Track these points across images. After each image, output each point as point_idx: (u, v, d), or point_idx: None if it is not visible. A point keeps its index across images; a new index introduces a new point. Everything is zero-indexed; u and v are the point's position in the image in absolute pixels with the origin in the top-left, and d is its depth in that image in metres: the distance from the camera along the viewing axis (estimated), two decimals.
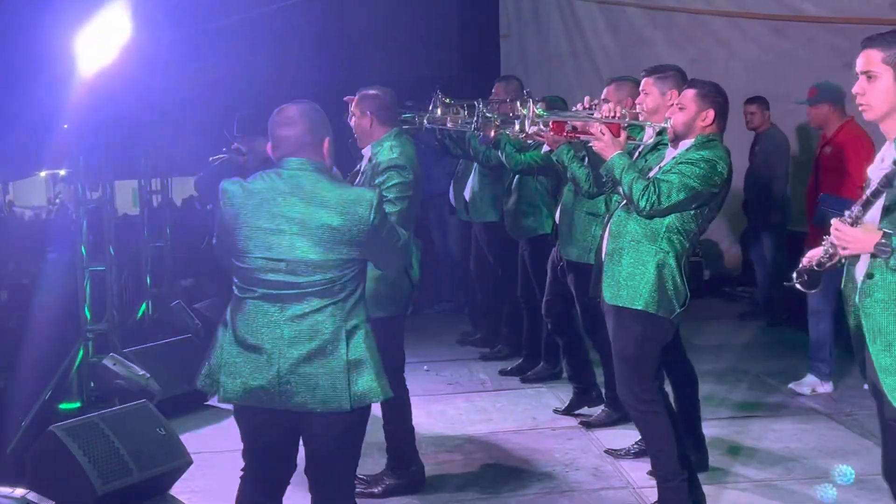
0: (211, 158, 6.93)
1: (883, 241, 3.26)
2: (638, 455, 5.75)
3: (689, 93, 4.73)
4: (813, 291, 3.66)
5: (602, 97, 5.75)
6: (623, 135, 4.73)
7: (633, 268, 4.60)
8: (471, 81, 8.65)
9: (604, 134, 4.64)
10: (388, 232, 3.80)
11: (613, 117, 4.77)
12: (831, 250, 3.45)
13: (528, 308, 7.68)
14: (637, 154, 5.07)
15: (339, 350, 3.64)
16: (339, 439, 3.76)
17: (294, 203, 3.65)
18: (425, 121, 6.10)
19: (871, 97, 3.43)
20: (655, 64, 5.66)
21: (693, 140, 4.68)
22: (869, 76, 3.42)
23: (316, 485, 3.88)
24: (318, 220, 3.62)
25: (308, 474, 3.88)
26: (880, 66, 3.38)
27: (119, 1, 7.06)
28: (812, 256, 3.58)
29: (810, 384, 6.94)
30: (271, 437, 3.83)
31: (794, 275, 3.64)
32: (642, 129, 5.20)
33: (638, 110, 4.98)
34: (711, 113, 4.66)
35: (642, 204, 4.48)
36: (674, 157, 4.67)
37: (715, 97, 4.71)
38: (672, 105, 5.06)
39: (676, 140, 4.74)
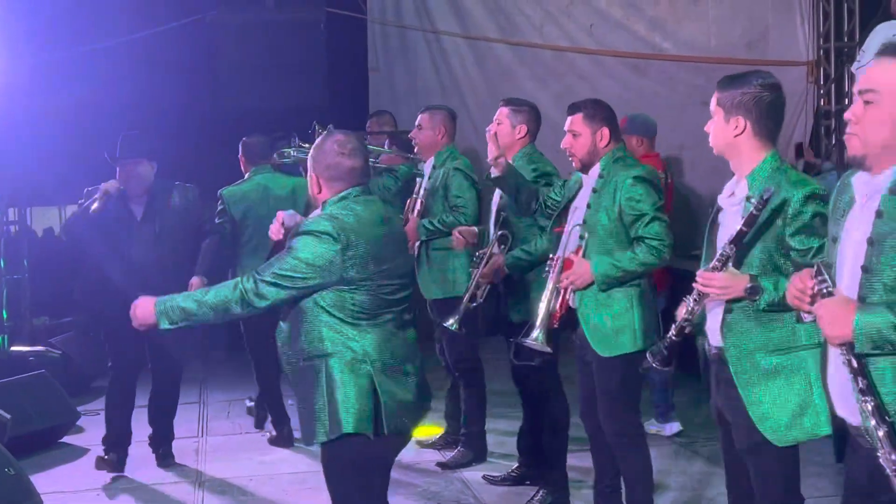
0: (86, 190, 6.50)
1: (751, 284, 3.35)
2: (514, 483, 5.78)
3: (577, 117, 4.68)
4: (667, 369, 3.70)
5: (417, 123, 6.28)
6: None
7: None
8: (339, 113, 8.61)
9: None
10: None
11: None
12: (696, 300, 3.47)
13: None
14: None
15: None
16: None
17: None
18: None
19: (711, 135, 3.60)
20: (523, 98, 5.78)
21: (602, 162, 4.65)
22: (713, 114, 3.59)
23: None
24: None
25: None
26: (715, 106, 3.57)
27: None
28: (674, 330, 3.57)
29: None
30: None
31: (649, 356, 3.65)
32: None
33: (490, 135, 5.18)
34: (606, 131, 4.63)
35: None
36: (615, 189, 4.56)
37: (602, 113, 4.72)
38: (522, 138, 5.26)
39: (584, 168, 4.71)
